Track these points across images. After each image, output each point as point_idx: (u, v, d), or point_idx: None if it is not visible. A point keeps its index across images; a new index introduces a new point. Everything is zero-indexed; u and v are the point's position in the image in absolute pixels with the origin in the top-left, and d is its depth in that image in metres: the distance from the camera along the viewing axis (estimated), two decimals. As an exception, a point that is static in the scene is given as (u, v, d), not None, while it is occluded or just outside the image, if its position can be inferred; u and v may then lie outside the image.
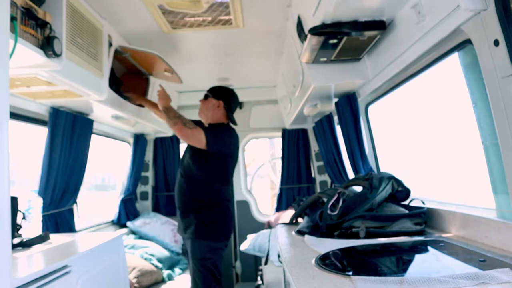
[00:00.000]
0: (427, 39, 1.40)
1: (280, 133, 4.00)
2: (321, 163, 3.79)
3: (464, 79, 1.47)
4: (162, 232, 3.47)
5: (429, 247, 1.16)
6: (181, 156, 2.50)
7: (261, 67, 3.30)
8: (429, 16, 1.34)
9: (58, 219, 2.40)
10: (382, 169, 2.51)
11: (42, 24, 1.49)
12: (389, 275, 0.87)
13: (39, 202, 2.03)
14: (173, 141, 4.05)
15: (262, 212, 4.20)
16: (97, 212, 3.61)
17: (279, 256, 1.36)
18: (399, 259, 1.12)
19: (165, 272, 2.94)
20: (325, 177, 3.88)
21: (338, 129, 2.93)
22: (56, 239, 1.79)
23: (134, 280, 2.62)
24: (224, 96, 2.37)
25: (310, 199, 1.74)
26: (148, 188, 4.05)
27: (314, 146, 3.93)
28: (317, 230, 1.49)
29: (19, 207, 1.73)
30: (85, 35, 1.87)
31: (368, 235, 1.32)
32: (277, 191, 4.05)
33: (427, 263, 1.02)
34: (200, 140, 2.16)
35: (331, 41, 1.72)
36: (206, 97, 2.39)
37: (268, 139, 4.83)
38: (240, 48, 2.80)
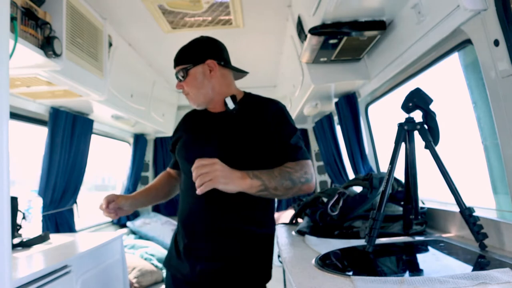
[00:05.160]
0: (427, 39, 1.40)
1: (280, 133, 4.00)
2: (321, 163, 3.79)
3: (464, 79, 1.47)
4: (162, 232, 3.47)
5: (429, 247, 1.16)
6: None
7: (261, 67, 3.30)
8: (429, 16, 1.34)
9: (58, 219, 2.40)
10: (382, 169, 2.51)
11: (42, 24, 1.49)
12: (389, 275, 0.87)
13: (39, 202, 2.03)
14: (173, 141, 4.06)
15: (262, 212, 4.20)
16: (97, 212, 3.61)
17: (279, 256, 1.35)
18: (399, 259, 1.12)
19: (165, 272, 2.94)
20: (325, 177, 3.88)
21: (338, 129, 2.93)
22: (56, 239, 1.79)
23: (134, 280, 2.62)
24: (206, 52, 1.42)
25: (310, 199, 1.74)
26: (148, 188, 4.04)
27: (314, 146, 3.93)
28: (317, 230, 1.49)
29: (19, 207, 1.73)
30: (85, 35, 1.87)
31: (368, 235, 1.32)
32: (277, 191, 4.05)
33: (427, 263, 1.02)
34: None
35: (331, 41, 1.72)
36: (185, 73, 1.38)
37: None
38: (240, 48, 2.80)
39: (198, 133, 1.41)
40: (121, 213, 1.43)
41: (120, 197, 1.43)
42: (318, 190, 3.88)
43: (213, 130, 1.37)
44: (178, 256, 1.40)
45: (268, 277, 1.42)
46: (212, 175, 1.08)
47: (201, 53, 1.39)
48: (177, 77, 1.40)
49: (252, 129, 1.31)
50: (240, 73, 1.51)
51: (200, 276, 1.32)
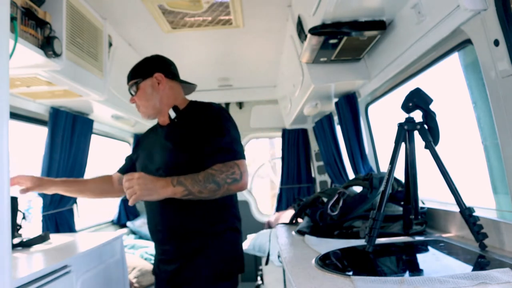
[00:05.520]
0: (427, 39, 1.40)
1: (280, 133, 4.01)
2: (321, 163, 3.79)
3: (464, 79, 1.46)
4: (162, 232, 3.47)
5: (429, 247, 1.16)
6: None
7: (261, 67, 3.30)
8: (429, 16, 1.34)
9: (58, 219, 2.40)
10: (382, 169, 2.51)
11: (42, 24, 1.49)
12: (389, 275, 0.87)
13: (39, 202, 2.03)
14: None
15: (262, 212, 4.20)
16: (97, 212, 3.62)
17: (279, 256, 1.35)
18: (399, 259, 1.12)
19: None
20: (325, 177, 3.88)
21: (338, 129, 2.93)
22: (56, 239, 1.79)
23: (134, 280, 2.62)
24: (154, 66, 1.54)
25: (310, 199, 1.74)
26: (148, 188, 4.04)
27: (314, 146, 3.94)
28: (317, 230, 1.49)
29: (19, 207, 1.73)
30: (85, 35, 1.87)
31: (368, 235, 1.32)
32: (277, 191, 4.06)
33: (427, 263, 1.02)
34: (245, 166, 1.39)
35: (331, 41, 1.72)
36: (136, 87, 1.53)
37: (268, 139, 4.82)
38: (240, 48, 2.80)
39: (149, 147, 1.57)
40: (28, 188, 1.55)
41: (32, 177, 1.57)
42: (318, 190, 3.88)
43: (160, 142, 1.50)
44: (156, 261, 1.54)
45: (237, 270, 1.50)
46: (135, 189, 1.21)
47: (149, 68, 1.53)
48: (130, 92, 1.55)
49: (191, 135, 1.40)
50: (190, 86, 1.65)
51: (170, 276, 1.44)
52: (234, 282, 1.48)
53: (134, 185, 1.21)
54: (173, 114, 1.50)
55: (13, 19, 1.26)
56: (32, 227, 1.86)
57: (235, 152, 1.36)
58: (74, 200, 2.59)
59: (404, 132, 1.15)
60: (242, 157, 1.37)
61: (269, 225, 3.62)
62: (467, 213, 1.05)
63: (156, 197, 1.24)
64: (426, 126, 1.13)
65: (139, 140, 1.73)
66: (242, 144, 1.43)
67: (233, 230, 1.50)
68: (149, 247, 3.09)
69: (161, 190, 1.23)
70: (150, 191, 1.22)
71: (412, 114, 1.16)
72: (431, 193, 1.72)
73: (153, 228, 1.50)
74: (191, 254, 1.41)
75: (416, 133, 1.15)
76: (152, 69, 1.52)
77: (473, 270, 0.89)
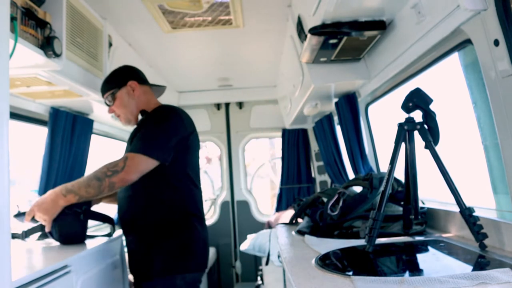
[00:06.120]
0: (427, 39, 1.40)
1: (280, 133, 4.01)
2: (321, 163, 3.78)
3: (464, 79, 1.46)
4: (162, 232, 3.46)
5: (429, 247, 1.17)
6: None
7: (261, 67, 3.30)
8: (429, 16, 1.34)
9: (58, 219, 2.40)
10: (382, 169, 2.51)
11: (42, 24, 1.49)
12: (389, 275, 0.87)
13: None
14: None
15: (262, 212, 4.20)
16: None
17: (279, 256, 1.36)
18: (399, 259, 1.12)
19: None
20: (325, 177, 3.87)
21: (338, 129, 2.93)
22: (56, 239, 1.79)
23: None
24: (126, 75, 1.71)
25: (310, 199, 1.74)
26: (148, 188, 4.04)
27: (314, 146, 3.93)
28: (317, 230, 1.49)
29: (20, 208, 1.73)
30: (85, 35, 1.87)
31: (368, 235, 1.32)
32: (277, 191, 4.06)
33: (427, 263, 1.02)
34: (146, 163, 1.43)
35: (331, 41, 1.72)
36: (112, 97, 1.71)
37: (268, 139, 4.82)
38: (240, 48, 2.80)
39: (126, 148, 1.71)
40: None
41: None
42: (318, 190, 3.88)
43: (128, 142, 1.69)
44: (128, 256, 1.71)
45: (194, 266, 1.55)
46: (40, 217, 1.39)
47: (122, 78, 1.69)
48: (106, 104, 1.72)
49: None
50: (160, 88, 1.86)
51: (132, 267, 1.62)
52: (190, 278, 1.54)
53: (38, 216, 1.36)
54: (139, 117, 1.69)
55: (13, 19, 1.26)
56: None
57: (136, 145, 1.45)
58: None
59: (404, 132, 1.15)
60: (142, 151, 1.43)
61: (269, 225, 3.62)
62: (467, 213, 1.05)
63: (58, 209, 1.38)
64: (426, 126, 1.13)
65: None
66: (161, 142, 1.48)
67: (190, 228, 1.57)
68: (149, 247, 3.09)
69: (55, 205, 1.37)
70: (49, 210, 1.36)
71: (412, 114, 1.16)
72: (431, 193, 1.72)
73: (120, 220, 1.65)
74: (148, 246, 1.54)
75: (416, 133, 1.15)
76: (125, 78, 1.67)
77: (473, 270, 0.89)
